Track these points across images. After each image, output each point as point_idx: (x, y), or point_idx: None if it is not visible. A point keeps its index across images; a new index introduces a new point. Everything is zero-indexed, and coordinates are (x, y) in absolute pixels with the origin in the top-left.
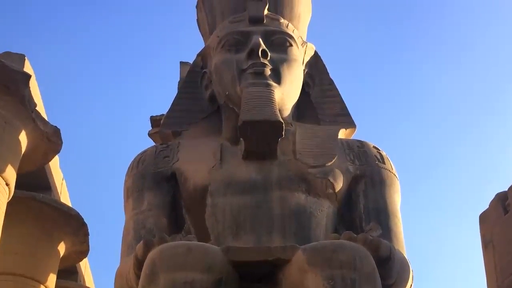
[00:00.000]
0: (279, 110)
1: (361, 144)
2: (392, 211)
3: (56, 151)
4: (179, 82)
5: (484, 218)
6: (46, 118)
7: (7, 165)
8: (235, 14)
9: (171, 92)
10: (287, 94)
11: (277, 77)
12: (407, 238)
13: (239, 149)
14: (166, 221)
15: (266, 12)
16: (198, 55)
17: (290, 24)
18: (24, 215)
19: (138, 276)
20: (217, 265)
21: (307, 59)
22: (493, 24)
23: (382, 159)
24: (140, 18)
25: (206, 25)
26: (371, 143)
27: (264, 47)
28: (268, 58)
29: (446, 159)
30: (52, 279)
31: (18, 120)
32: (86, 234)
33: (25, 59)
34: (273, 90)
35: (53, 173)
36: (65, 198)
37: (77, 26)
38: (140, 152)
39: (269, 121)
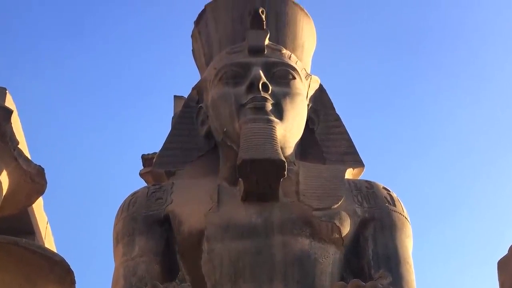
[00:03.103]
0: (281, 148)
1: (370, 185)
2: (403, 257)
3: (40, 192)
4: (173, 117)
5: (503, 265)
6: (29, 156)
7: None
8: (233, 44)
9: (164, 128)
10: (289, 130)
11: (279, 112)
12: (419, 286)
13: (238, 190)
14: (158, 268)
15: (267, 42)
16: (194, 88)
17: (293, 55)
18: (5, 261)
19: None
20: None
21: (311, 92)
22: None
23: (392, 201)
24: (130, 48)
25: (202, 56)
26: (381, 184)
27: (265, 80)
28: (269, 91)
29: (462, 201)
30: None
31: None
32: (73, 282)
33: (6, 93)
34: (275, 127)
35: (36, 216)
36: (49, 243)
37: (62, 57)
38: (131, 193)
39: (271, 160)
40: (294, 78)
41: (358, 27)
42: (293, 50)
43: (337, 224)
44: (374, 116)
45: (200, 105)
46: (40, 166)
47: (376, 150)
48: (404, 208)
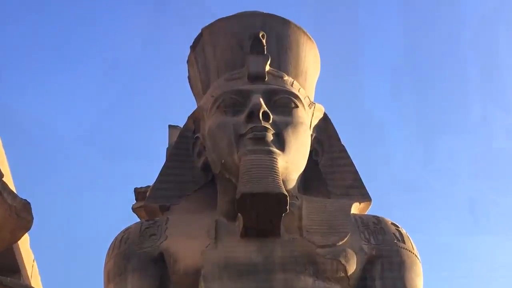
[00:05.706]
0: (283, 181)
1: (378, 221)
2: None
3: (26, 228)
4: (167, 148)
5: None
6: (14, 190)
7: None
8: (232, 70)
9: (158, 160)
10: (292, 162)
11: (281, 143)
12: None
13: (237, 225)
14: None
15: (267, 67)
16: (190, 117)
17: (295, 82)
18: None
19: None
20: None
21: (315, 122)
22: None
23: (401, 238)
24: (122, 75)
25: (199, 82)
26: (389, 220)
27: (266, 108)
28: (270, 121)
29: (474, 239)
30: None
31: None
32: None
33: None
34: (276, 158)
35: (22, 253)
36: (36, 282)
37: (49, 84)
38: (122, 229)
39: (272, 193)
40: (296, 106)
41: (365, 53)
42: (295, 77)
43: (343, 262)
44: (381, 147)
45: (196, 135)
46: (26, 200)
47: (384, 183)
48: (414, 245)
